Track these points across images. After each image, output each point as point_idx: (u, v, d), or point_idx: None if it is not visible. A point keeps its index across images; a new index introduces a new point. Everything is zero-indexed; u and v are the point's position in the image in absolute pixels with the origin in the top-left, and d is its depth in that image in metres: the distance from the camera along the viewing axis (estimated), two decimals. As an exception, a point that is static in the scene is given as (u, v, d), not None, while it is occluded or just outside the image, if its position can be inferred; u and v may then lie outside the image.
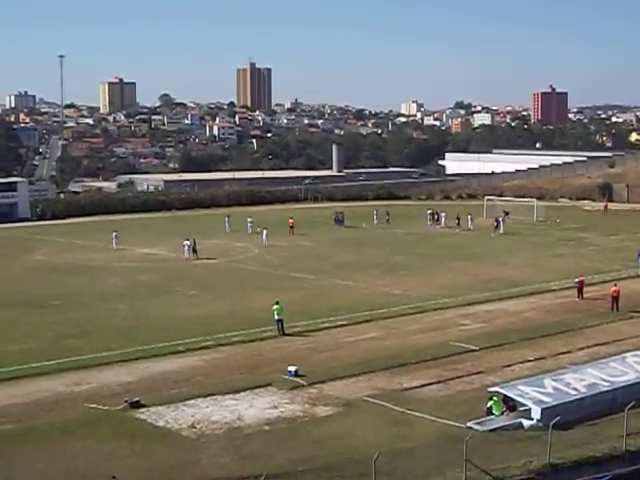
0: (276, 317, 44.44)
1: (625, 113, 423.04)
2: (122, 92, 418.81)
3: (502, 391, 32.38)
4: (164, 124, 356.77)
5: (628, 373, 34.86)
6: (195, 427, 30.70)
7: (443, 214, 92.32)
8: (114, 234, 76.42)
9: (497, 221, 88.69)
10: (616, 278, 57.62)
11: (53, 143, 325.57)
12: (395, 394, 34.62)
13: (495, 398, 32.03)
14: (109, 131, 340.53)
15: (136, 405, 32.70)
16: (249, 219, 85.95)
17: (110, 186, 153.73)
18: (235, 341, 43.02)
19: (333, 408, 33.03)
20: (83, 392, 34.87)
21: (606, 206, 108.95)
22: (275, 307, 44.63)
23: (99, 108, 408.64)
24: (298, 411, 32.67)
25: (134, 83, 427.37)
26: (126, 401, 32.88)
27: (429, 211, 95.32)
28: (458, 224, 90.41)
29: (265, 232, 77.75)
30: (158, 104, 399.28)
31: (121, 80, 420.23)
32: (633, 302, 51.59)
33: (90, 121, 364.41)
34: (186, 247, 70.38)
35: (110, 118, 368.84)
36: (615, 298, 50.23)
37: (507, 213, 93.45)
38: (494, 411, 31.68)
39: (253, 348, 41.93)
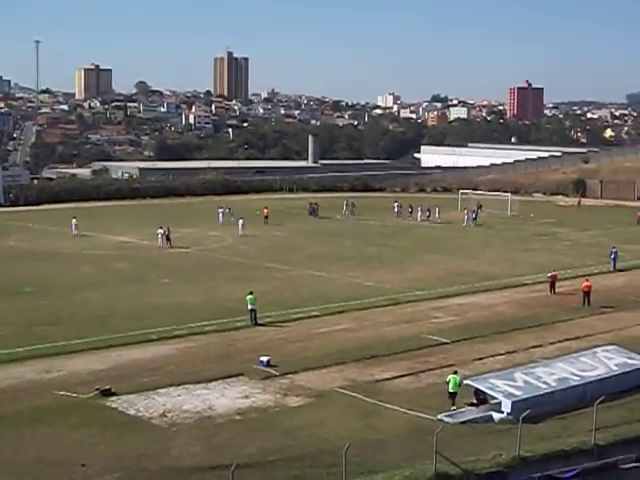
0: (249, 307, 44.42)
1: (600, 109, 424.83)
2: (98, 79, 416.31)
3: (473, 384, 32.50)
4: (140, 112, 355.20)
5: (598, 368, 35.07)
6: (166, 416, 30.64)
7: (419, 207, 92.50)
8: (73, 221, 76.09)
9: (474, 212, 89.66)
10: (588, 273, 57.92)
11: (27, 129, 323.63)
12: (367, 385, 34.69)
13: (455, 376, 32.21)
14: (84, 118, 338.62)
15: (107, 393, 32.57)
16: (220, 209, 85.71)
17: (84, 173, 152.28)
18: (208, 330, 42.96)
19: (304, 399, 33.06)
20: (54, 379, 34.70)
21: (579, 201, 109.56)
22: (248, 297, 44.59)
23: (74, 94, 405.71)
24: (269, 401, 32.67)
25: (110, 70, 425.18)
26: (97, 389, 32.74)
27: (395, 203, 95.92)
28: (428, 217, 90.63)
29: (241, 222, 77.66)
30: (134, 91, 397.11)
31: (97, 67, 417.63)
32: (604, 297, 51.90)
33: (65, 107, 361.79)
34: (160, 235, 70.26)
35: (85, 105, 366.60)
36: (587, 293, 50.50)
37: (480, 206, 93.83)
38: (450, 388, 31.85)
39: (226, 338, 41.89)
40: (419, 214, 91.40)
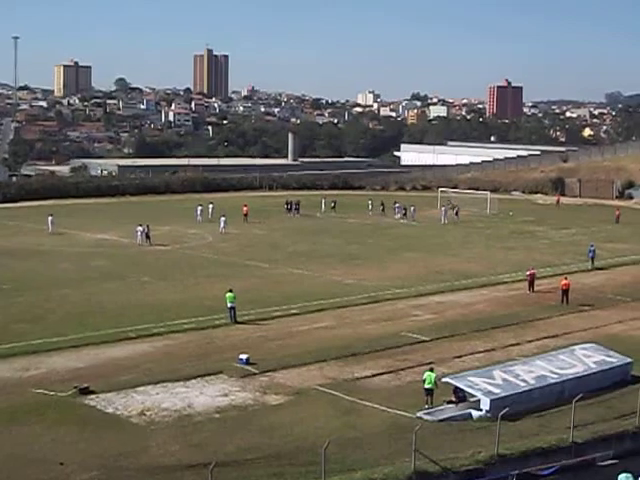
0: (229, 305, 44.34)
1: (579, 108, 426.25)
2: (77, 75, 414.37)
3: (452, 382, 32.57)
4: (119, 109, 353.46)
5: (576, 366, 35.21)
6: (145, 414, 30.56)
7: (395, 206, 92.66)
8: (49, 218, 75.63)
9: (454, 209, 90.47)
10: (567, 272, 58.18)
11: (6, 125, 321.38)
12: (346, 383, 34.72)
13: (431, 373, 32.27)
14: (63, 114, 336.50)
15: (85, 391, 32.45)
16: (199, 207, 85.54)
17: (63, 170, 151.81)
18: (187, 328, 42.84)
19: (284, 397, 33.04)
20: (32, 378, 34.51)
21: (558, 200, 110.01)
22: (228, 295, 44.52)
23: (53, 91, 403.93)
24: (249, 399, 32.64)
25: (89, 67, 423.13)
26: (75, 387, 32.61)
27: (370, 201, 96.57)
28: (404, 215, 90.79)
29: (223, 219, 77.47)
30: (113, 88, 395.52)
31: (76, 63, 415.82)
32: (583, 296, 52.17)
33: (44, 104, 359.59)
34: (139, 233, 70.01)
35: (64, 101, 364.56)
36: (565, 291, 50.69)
37: (453, 207, 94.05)
38: (426, 384, 31.92)
39: (205, 336, 41.80)
40: (396, 212, 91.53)
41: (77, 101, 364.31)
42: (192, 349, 39.41)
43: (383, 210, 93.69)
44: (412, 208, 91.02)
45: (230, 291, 44.68)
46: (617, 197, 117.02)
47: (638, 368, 36.37)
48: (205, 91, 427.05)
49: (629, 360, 36.61)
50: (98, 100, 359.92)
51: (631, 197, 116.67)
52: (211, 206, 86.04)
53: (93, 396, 32.24)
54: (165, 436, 28.44)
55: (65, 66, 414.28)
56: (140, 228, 70.27)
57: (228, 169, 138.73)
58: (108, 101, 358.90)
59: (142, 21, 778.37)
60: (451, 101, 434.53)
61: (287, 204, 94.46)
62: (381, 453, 26.48)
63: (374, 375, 36.11)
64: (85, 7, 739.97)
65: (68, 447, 27.21)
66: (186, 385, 33.92)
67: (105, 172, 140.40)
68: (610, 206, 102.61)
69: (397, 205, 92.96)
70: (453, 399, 32.19)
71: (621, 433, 29.21)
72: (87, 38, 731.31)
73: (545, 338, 42.85)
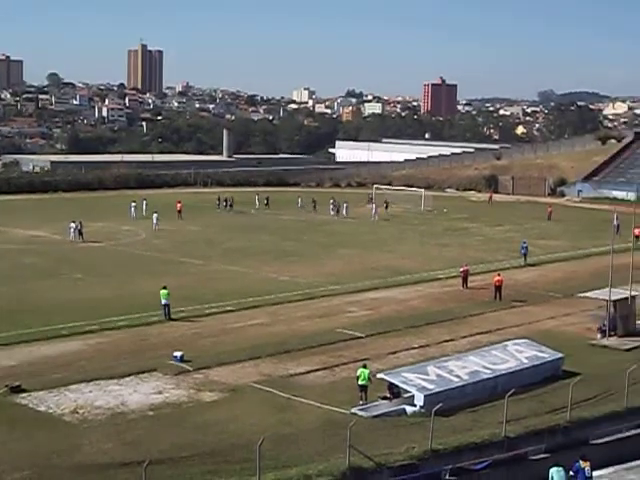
0: (163, 302, 44.10)
1: (512, 106, 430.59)
2: (8, 70, 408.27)
3: (387, 378, 32.72)
4: (52, 104, 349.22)
5: (509, 361, 35.58)
6: (77, 412, 30.26)
7: (331, 202, 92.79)
8: None
9: (386, 204, 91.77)
10: (500, 268, 58.84)
11: None
12: (281, 380, 34.72)
13: (365, 369, 32.39)
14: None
15: (17, 390, 32.03)
16: (133, 203, 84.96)
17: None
18: (120, 325, 42.50)
19: (219, 394, 32.95)
20: (-38, 376, 34.02)
21: (491, 197, 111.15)
22: (162, 291, 44.26)
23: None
24: (183, 396, 32.49)
25: (21, 61, 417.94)
26: (6, 386, 32.16)
27: (299, 198, 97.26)
28: (338, 212, 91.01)
29: (155, 216, 76.99)
30: (46, 83, 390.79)
31: (8, 57, 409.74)
32: (515, 292, 52.75)
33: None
34: (72, 229, 69.29)
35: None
36: (498, 287, 51.22)
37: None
38: (360, 381, 32.05)
39: (138, 333, 41.51)
40: (330, 209, 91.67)
41: (8, 96, 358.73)
42: (126, 346, 39.10)
43: (315, 207, 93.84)
44: (345, 205, 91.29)
45: (164, 288, 44.41)
46: (549, 194, 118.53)
47: (569, 363, 36.87)
48: (139, 87, 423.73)
49: (560, 355, 37.09)
50: (30, 95, 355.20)
51: (563, 194, 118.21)
52: (145, 202, 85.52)
53: (25, 394, 31.83)
54: (98, 434, 28.18)
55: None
56: (73, 225, 69.56)
57: (162, 165, 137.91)
58: (40, 96, 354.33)
59: (75, 15, 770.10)
60: (386, 98, 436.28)
61: (219, 201, 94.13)
62: (316, 449, 26.51)
63: (309, 372, 36.15)
64: (17, 0, 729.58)
65: (-1, 446, 26.86)
66: (120, 383, 33.65)
67: (37, 168, 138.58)
68: (543, 203, 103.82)
69: (332, 202, 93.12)
70: (387, 395, 32.35)
71: (553, 427, 29.55)
72: (18, 32, 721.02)
73: (478, 334, 43.25)
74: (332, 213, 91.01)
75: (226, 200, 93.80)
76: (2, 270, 56.44)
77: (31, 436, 27.87)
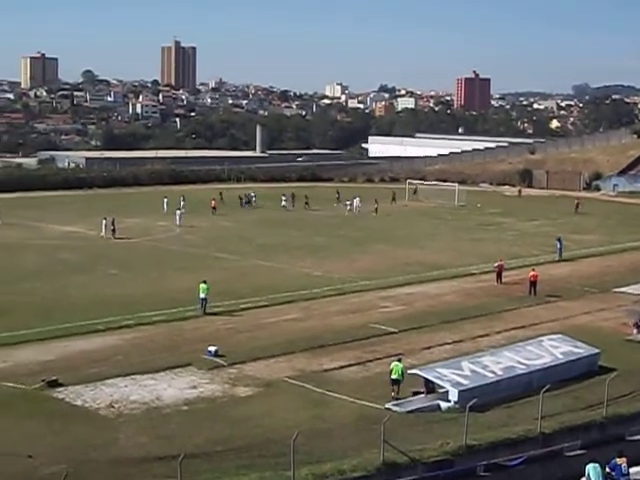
0: (201, 295, 44.22)
1: (546, 100, 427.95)
2: (44, 67, 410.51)
3: (421, 373, 32.69)
4: (86, 101, 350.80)
5: (544, 357, 35.45)
6: (113, 406, 30.48)
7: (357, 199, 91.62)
8: None
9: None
10: (534, 263, 58.51)
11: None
12: (315, 375, 34.76)
13: (399, 363, 32.36)
14: (30, 107, 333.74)
15: (54, 384, 32.30)
16: (166, 198, 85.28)
17: (30, 162, 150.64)
18: (155, 321, 42.72)
19: (253, 389, 33.06)
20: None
21: (520, 191, 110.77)
22: (201, 285, 44.41)
23: (20, 83, 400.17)
24: (217, 391, 32.62)
25: (56, 58, 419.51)
26: (43, 380, 32.45)
27: (337, 194, 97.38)
28: (350, 209, 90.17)
29: (179, 212, 77.23)
30: (81, 80, 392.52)
31: (43, 55, 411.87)
32: (550, 287, 52.47)
33: (11, 96, 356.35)
34: (105, 225, 69.60)
35: (31, 93, 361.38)
36: (533, 283, 50.97)
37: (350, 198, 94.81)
38: (392, 375, 32.05)
39: (173, 328, 41.72)
40: (347, 204, 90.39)
41: (44, 93, 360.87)
42: (161, 341, 39.32)
43: (339, 201, 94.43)
44: (357, 199, 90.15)
45: (204, 282, 44.60)
46: (584, 189, 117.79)
47: (605, 359, 36.66)
48: (173, 83, 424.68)
49: (596, 351, 36.90)
50: (65, 92, 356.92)
51: (598, 189, 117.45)
52: (182, 199, 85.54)
53: (61, 389, 32.10)
54: (134, 428, 28.38)
55: (32, 58, 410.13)
56: (104, 221, 69.80)
57: (196, 161, 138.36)
58: (75, 93, 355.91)
59: (109, 13, 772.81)
60: (419, 93, 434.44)
61: (240, 199, 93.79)
62: (350, 444, 26.51)
63: (342, 367, 36.17)
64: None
65: (37, 440, 27.06)
66: (155, 377, 33.84)
67: (72, 164, 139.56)
68: (577, 198, 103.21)
69: (336, 196, 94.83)
70: (420, 390, 32.31)
71: (588, 423, 29.38)
72: (53, 30, 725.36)
73: (513, 329, 43.07)
74: (348, 209, 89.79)
75: (244, 196, 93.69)
76: (38, 266, 56.86)
77: (67, 430, 28.10)
